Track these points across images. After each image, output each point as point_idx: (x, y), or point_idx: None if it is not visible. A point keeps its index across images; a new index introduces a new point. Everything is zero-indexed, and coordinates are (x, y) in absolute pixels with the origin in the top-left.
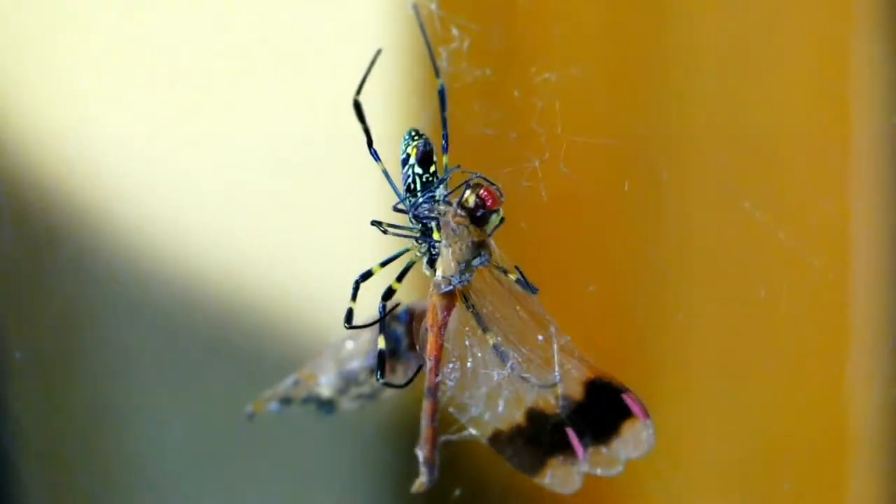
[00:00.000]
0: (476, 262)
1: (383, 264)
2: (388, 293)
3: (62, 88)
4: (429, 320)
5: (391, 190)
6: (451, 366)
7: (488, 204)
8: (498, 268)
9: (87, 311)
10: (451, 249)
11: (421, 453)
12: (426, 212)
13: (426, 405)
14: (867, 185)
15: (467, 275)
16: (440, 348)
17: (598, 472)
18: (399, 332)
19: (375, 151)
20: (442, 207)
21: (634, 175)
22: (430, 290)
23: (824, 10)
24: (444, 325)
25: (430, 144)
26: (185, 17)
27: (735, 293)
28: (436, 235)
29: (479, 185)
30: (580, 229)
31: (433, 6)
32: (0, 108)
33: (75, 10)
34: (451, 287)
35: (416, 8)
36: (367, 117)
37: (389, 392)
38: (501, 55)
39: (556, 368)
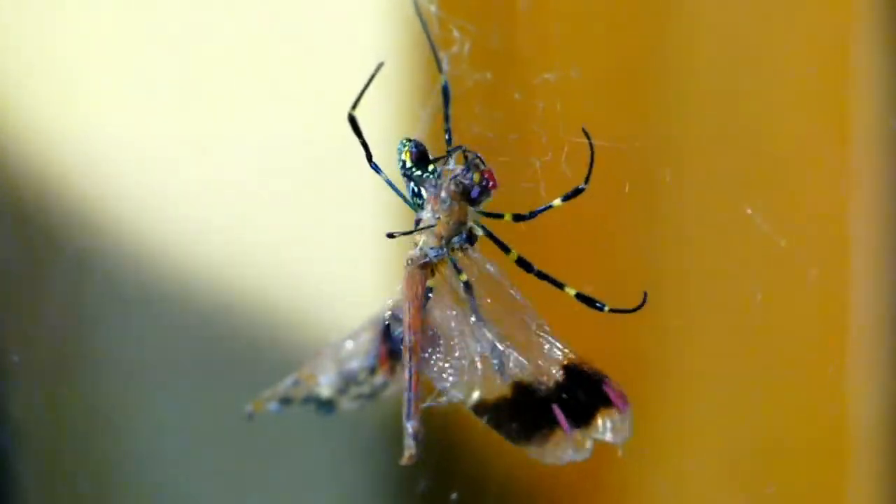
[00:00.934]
0: (456, 240)
1: None
2: None
3: (62, 88)
4: (408, 294)
5: (392, 191)
6: (435, 346)
7: (489, 186)
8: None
9: (86, 314)
10: (438, 221)
11: (409, 425)
12: (427, 177)
13: (408, 375)
14: (866, 188)
15: (445, 250)
16: (420, 322)
17: (570, 453)
18: (399, 332)
19: (376, 165)
20: (438, 179)
21: (634, 177)
22: (405, 262)
23: (824, 11)
24: (422, 298)
25: (421, 145)
26: (186, 18)
27: (734, 294)
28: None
29: (479, 165)
30: (580, 230)
31: (433, 7)
32: (0, 108)
33: (75, 11)
34: (427, 259)
35: (417, 5)
36: (365, 131)
37: (389, 392)
38: (502, 57)
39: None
